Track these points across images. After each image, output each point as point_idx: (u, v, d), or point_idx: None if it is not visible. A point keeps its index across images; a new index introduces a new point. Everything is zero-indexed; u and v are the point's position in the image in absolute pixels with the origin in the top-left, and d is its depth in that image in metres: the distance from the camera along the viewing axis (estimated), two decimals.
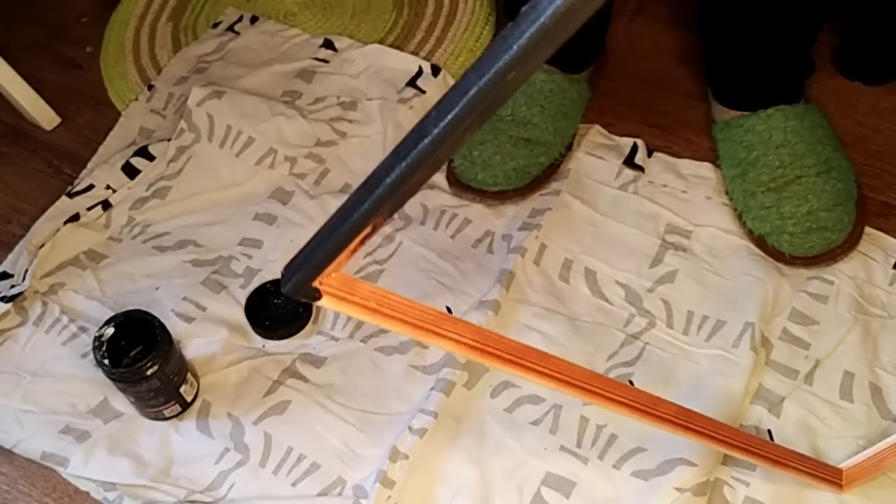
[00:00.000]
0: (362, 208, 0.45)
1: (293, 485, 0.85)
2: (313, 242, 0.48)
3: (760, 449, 0.74)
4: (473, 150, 1.01)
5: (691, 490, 0.80)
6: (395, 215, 1.00)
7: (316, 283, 0.50)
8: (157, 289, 0.98)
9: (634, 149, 1.05)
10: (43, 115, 1.14)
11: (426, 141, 0.41)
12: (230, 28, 1.23)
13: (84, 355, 0.93)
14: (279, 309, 0.95)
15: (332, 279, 0.50)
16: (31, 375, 0.92)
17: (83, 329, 0.95)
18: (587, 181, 1.03)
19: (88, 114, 1.16)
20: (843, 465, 0.81)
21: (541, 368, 0.60)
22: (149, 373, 0.82)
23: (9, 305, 0.96)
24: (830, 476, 0.79)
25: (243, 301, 0.95)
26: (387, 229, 1.00)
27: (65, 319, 0.95)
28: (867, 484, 0.81)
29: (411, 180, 0.43)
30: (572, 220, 1.00)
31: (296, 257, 0.49)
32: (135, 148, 1.09)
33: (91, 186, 1.05)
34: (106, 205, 1.04)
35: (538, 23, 0.36)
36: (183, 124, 1.09)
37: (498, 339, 0.58)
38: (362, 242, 0.47)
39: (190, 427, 0.88)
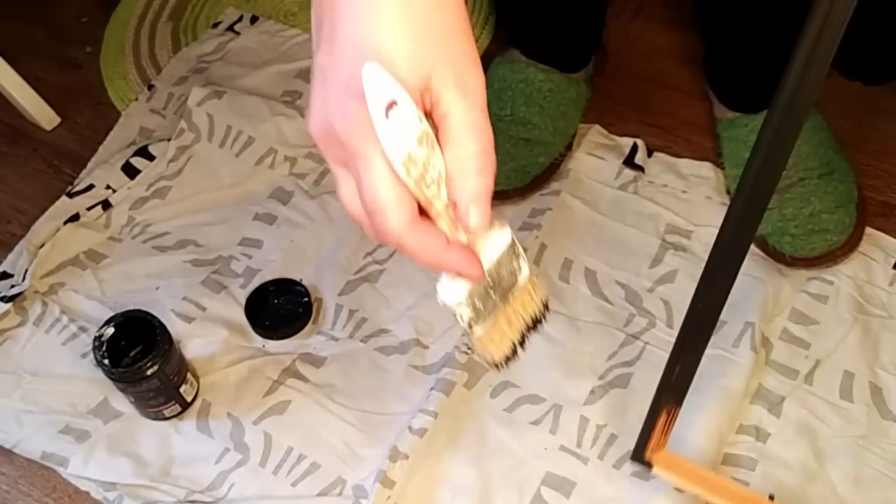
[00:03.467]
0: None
1: (293, 485, 0.85)
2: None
3: None
4: None
5: None
6: None
7: (647, 457, 0.75)
8: (157, 289, 0.98)
9: (634, 149, 1.05)
10: (43, 115, 1.14)
11: None
12: (230, 28, 1.23)
13: (84, 355, 0.93)
14: (279, 309, 0.95)
15: (659, 454, 0.75)
16: (31, 375, 0.92)
17: (83, 329, 0.95)
18: (587, 181, 1.03)
19: (88, 114, 1.16)
20: None
21: None
22: (149, 373, 0.82)
23: (9, 305, 0.96)
24: None
25: (243, 301, 0.95)
26: None
27: (65, 319, 0.95)
28: (866, 483, 0.81)
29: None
30: (572, 220, 1.00)
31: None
32: (135, 148, 1.09)
33: (91, 186, 1.05)
34: (106, 205, 1.04)
35: None
36: (183, 124, 1.09)
37: None
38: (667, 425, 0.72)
39: (190, 427, 0.88)
